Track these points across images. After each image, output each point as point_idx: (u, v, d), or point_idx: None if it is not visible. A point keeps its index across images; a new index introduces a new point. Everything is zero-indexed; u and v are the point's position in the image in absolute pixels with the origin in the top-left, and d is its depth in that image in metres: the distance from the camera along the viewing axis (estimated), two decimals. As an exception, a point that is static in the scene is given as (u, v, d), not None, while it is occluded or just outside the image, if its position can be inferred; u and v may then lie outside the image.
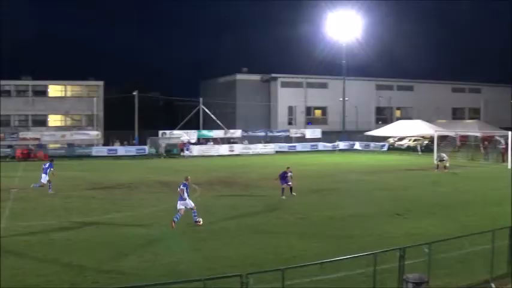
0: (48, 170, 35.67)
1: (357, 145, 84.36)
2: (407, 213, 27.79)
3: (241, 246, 20.95)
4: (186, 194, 25.04)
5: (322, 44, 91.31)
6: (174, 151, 73.25)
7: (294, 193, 33.60)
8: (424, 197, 34.25)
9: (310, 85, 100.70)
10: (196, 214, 24.88)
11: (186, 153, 70.75)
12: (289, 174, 33.92)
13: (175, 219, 24.18)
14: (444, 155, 51.45)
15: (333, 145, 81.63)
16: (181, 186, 25.15)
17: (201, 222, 24.65)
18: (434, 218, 26.72)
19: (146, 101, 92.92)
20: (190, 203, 25.08)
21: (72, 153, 67.39)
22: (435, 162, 51.81)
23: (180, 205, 24.79)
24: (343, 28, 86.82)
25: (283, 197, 32.94)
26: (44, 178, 35.49)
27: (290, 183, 33.72)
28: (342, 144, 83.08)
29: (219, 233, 23.36)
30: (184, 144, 73.21)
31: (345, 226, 24.67)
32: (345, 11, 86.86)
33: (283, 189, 33.42)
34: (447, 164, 49.66)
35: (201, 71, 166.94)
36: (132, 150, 72.96)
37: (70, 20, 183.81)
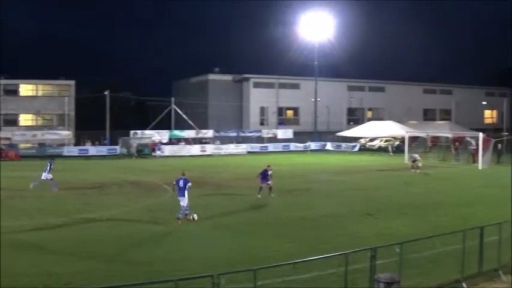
0: (48, 169, 36.43)
1: (329, 145, 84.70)
2: (379, 214, 27.84)
3: (213, 246, 20.87)
4: (186, 189, 25.63)
5: (294, 45, 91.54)
6: (146, 151, 72.90)
7: (272, 194, 33.48)
8: (395, 197, 34.37)
9: (282, 86, 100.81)
10: (182, 213, 25.23)
11: (158, 153, 70.33)
12: (270, 172, 33.78)
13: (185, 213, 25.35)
14: (417, 155, 51.73)
15: (305, 145, 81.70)
16: (181, 181, 25.80)
17: (180, 222, 24.93)
18: (405, 218, 26.80)
19: (118, 101, 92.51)
20: (185, 200, 25.51)
21: (43, 153, 66.32)
22: (408, 163, 52.10)
23: (181, 201, 25.42)
24: (316, 29, 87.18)
25: (259, 196, 32.83)
26: (45, 176, 36.22)
27: (270, 182, 33.62)
28: (313, 145, 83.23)
29: (191, 233, 23.28)
30: (155, 144, 72.88)
31: (316, 226, 24.65)
32: (317, 12, 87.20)
33: (261, 187, 33.31)
34: (419, 165, 49.93)
35: (173, 71, 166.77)
36: (103, 150, 72.44)
37: (42, 17, 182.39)
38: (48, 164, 36.95)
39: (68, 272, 17.21)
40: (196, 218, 25.66)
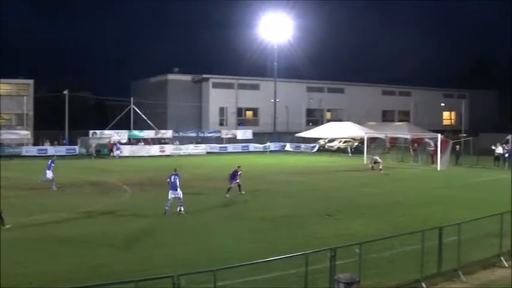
0: (51, 166, 37.55)
1: (288, 146, 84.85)
2: (338, 214, 27.85)
3: (173, 246, 20.67)
4: (178, 184, 27.61)
5: (254, 45, 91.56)
6: (105, 151, 72.21)
7: (242, 191, 34.04)
8: (355, 198, 34.39)
9: (242, 86, 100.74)
10: (181, 204, 27.54)
11: (117, 153, 69.72)
12: (239, 172, 34.31)
13: (167, 208, 27.23)
14: (377, 157, 52.15)
15: (264, 146, 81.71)
16: (173, 177, 27.72)
17: (183, 211, 27.42)
18: (364, 218, 26.84)
19: (77, 101, 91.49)
20: (180, 193, 27.59)
21: (2, 153, 65.28)
22: (369, 164, 52.40)
23: (171, 194, 27.55)
24: (275, 30, 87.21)
25: (227, 195, 33.05)
26: (49, 174, 37.40)
27: (238, 180, 34.09)
28: (272, 146, 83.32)
29: (150, 233, 23.05)
30: (114, 144, 72.22)
31: (276, 227, 24.57)
32: (277, 14, 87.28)
33: (229, 188, 33.57)
34: (380, 167, 50.29)
35: (132, 70, 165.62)
36: (62, 150, 71.11)
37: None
38: (50, 162, 37.96)
39: (25, 273, 16.95)
40: (183, 211, 27.46)
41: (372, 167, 51.04)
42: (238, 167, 34.77)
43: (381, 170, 50.12)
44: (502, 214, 18.86)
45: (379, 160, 51.42)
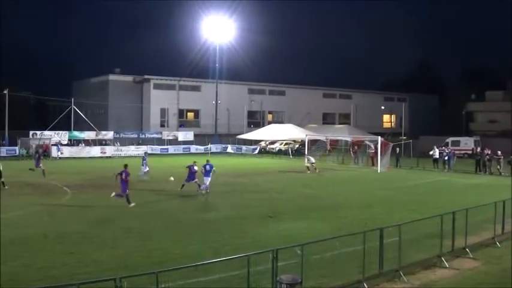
0: (39, 160, 46.79)
1: (229, 148, 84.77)
2: (280, 215, 27.78)
3: (114, 249, 20.31)
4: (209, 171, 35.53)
5: (196, 47, 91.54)
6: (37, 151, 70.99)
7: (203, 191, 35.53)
8: (296, 199, 34.46)
9: (183, 87, 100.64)
10: (205, 187, 35.01)
11: (58, 154, 68.58)
12: (195, 168, 36.38)
13: (208, 190, 35.11)
14: (311, 157, 52.52)
15: (205, 148, 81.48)
16: (208, 166, 35.72)
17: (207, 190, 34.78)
18: (306, 220, 26.83)
19: (17, 100, 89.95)
20: (210, 179, 35.44)
21: None
22: (306, 164, 52.64)
23: (206, 180, 35.23)
24: (217, 32, 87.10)
25: (204, 193, 35.15)
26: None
27: (197, 179, 35.98)
28: (214, 147, 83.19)
29: (92, 236, 22.62)
30: (52, 145, 71.01)
31: (218, 228, 24.38)
32: (219, 15, 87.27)
33: (183, 185, 35.61)
34: (315, 166, 50.74)
35: (73, 70, 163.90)
36: (2, 150, 69.52)
37: None
38: (38, 156, 47.13)
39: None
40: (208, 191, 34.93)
41: (308, 167, 51.39)
42: (194, 162, 36.80)
43: (315, 169, 50.56)
44: (442, 215, 19.02)
45: (313, 160, 51.88)
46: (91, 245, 20.95)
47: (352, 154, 65.47)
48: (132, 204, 30.15)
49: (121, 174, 30.99)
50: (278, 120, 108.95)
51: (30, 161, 63.62)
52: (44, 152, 68.75)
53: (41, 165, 46.02)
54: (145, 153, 52.71)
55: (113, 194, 30.91)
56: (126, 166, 31.73)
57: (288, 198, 34.79)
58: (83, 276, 15.65)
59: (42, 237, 22.00)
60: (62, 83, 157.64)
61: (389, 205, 31.89)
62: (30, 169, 45.52)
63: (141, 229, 24.19)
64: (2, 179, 37.32)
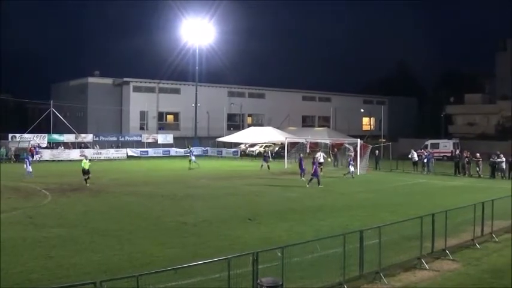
0: (30, 161, 49.49)
1: (209, 151, 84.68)
2: (260, 218, 27.74)
3: (93, 252, 20.17)
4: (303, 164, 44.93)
5: (175, 49, 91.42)
6: (24, 155, 70.47)
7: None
8: (276, 202, 34.45)
9: (163, 90, 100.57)
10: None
11: (36, 157, 68.04)
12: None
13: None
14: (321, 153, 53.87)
15: (185, 151, 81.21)
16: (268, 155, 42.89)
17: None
18: (286, 222, 26.78)
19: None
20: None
21: None
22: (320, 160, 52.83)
23: (301, 171, 45.88)
24: (197, 34, 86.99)
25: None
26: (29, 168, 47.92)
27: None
28: (194, 150, 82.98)
29: (71, 239, 22.44)
30: (33, 148, 70.60)
31: (198, 231, 24.33)
32: (199, 18, 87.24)
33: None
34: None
35: (53, 73, 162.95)
36: (-19, 153, 69.31)
37: None
38: (29, 158, 49.71)
39: None
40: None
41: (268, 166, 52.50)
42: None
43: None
44: (421, 217, 19.07)
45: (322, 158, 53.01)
46: (71, 248, 20.79)
47: (331, 157, 65.56)
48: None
49: (313, 163, 44.62)
50: (258, 122, 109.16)
51: (9, 164, 63.47)
52: (31, 155, 68.59)
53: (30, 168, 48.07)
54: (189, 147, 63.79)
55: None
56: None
57: (267, 201, 34.76)
58: (63, 280, 15.60)
59: (21, 241, 21.86)
60: (41, 86, 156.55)
61: (369, 207, 31.93)
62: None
63: (121, 232, 24.07)
64: None
